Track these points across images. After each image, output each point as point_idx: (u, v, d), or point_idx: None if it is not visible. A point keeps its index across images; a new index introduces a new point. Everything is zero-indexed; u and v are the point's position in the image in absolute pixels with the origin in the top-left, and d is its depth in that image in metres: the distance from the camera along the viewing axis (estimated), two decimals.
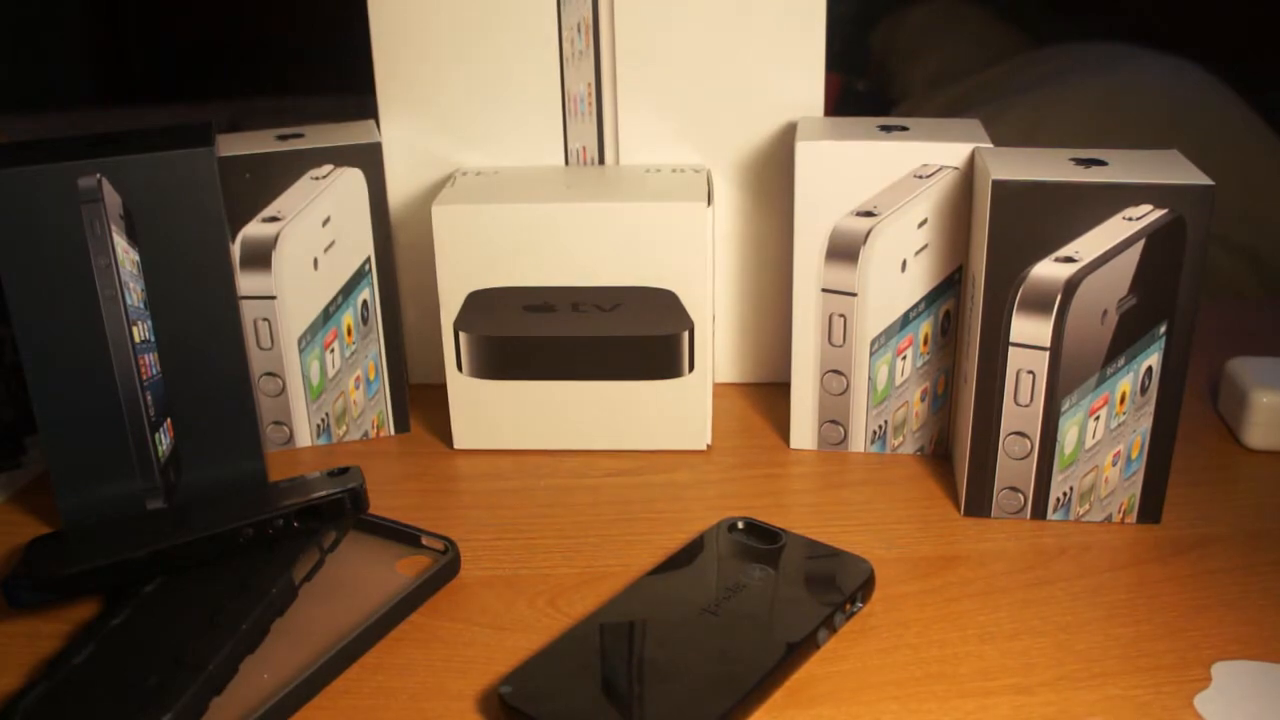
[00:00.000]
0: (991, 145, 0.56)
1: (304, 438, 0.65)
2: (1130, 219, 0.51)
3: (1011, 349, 0.53)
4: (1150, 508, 0.56)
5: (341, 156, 0.60)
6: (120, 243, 0.52)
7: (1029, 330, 0.53)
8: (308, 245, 0.60)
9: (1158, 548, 0.54)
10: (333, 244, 0.61)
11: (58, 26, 1.83)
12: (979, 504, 0.57)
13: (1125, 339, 0.52)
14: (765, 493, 0.60)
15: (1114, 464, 0.55)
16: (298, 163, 0.59)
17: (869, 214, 0.58)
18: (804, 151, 0.58)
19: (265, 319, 0.61)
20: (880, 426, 0.62)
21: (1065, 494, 0.56)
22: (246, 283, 0.60)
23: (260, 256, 0.60)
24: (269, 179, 0.59)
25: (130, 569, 0.50)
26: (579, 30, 0.63)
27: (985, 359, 0.54)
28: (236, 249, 0.59)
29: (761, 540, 0.53)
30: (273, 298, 0.61)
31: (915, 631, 0.48)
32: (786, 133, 0.64)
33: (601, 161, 0.66)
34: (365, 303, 0.63)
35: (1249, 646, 0.47)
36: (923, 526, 0.56)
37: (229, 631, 0.46)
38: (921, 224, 0.58)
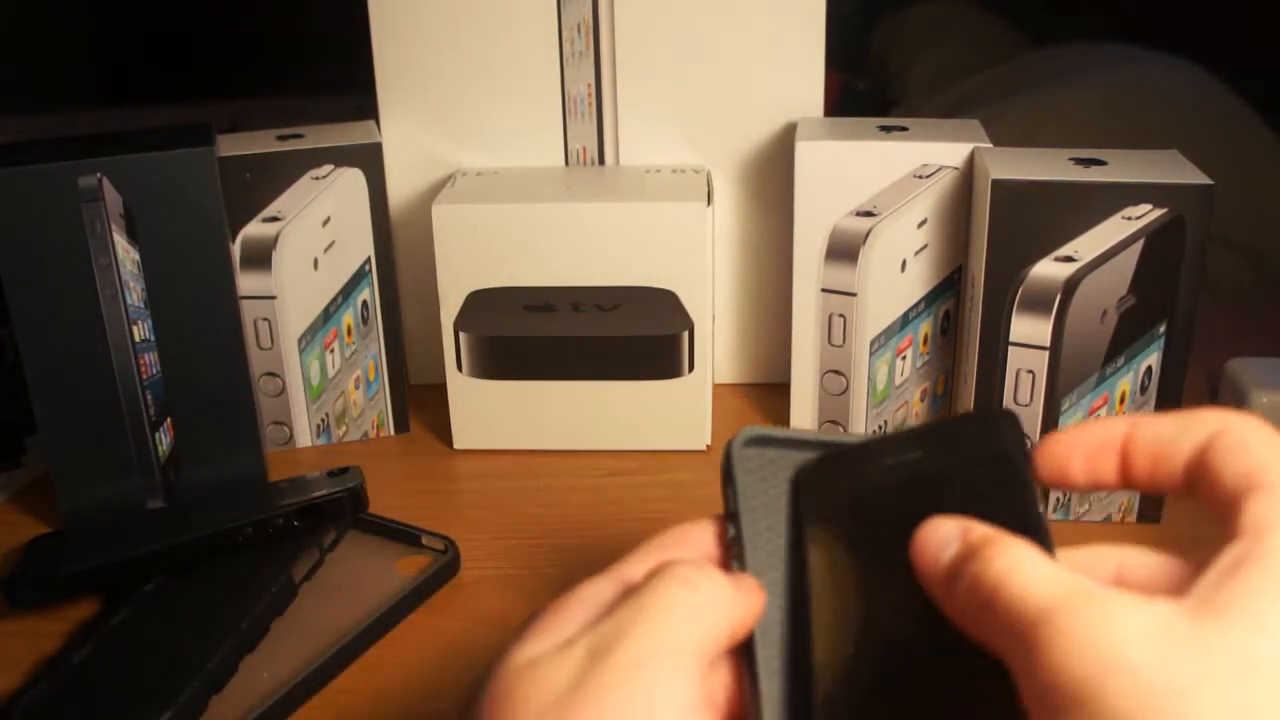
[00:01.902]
0: (991, 145, 0.56)
1: (304, 438, 0.65)
2: (1130, 218, 0.51)
3: (1011, 349, 0.53)
4: (1150, 507, 0.56)
5: (341, 156, 0.60)
6: (120, 242, 0.52)
7: (1029, 330, 0.53)
8: (308, 245, 0.60)
9: (1158, 547, 0.54)
10: (333, 244, 0.61)
11: (58, 26, 1.83)
12: None
13: (1125, 338, 0.52)
14: None
15: None
16: (298, 163, 0.59)
17: (869, 214, 0.58)
18: (804, 151, 0.58)
19: (265, 319, 0.61)
20: (880, 426, 0.62)
21: (1065, 494, 0.56)
22: (246, 283, 0.60)
23: (260, 256, 0.60)
24: (269, 179, 0.59)
25: (130, 569, 0.51)
26: (579, 30, 0.63)
27: (985, 359, 0.54)
28: (236, 249, 0.59)
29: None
30: (273, 298, 0.61)
31: None
32: (786, 133, 0.64)
33: (601, 162, 0.66)
34: (365, 303, 0.63)
35: None
36: None
37: (229, 630, 0.47)
38: (921, 224, 0.58)
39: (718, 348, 0.70)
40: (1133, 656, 0.24)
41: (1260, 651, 0.23)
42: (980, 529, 0.29)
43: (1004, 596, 0.26)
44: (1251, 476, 0.27)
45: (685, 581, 0.30)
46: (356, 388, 0.65)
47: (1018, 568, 0.27)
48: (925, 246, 0.58)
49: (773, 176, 0.66)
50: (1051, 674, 0.24)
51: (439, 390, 0.64)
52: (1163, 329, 0.52)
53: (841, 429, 0.62)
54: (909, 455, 0.32)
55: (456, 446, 0.64)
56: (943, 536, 0.29)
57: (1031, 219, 0.51)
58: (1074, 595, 0.25)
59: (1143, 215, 0.50)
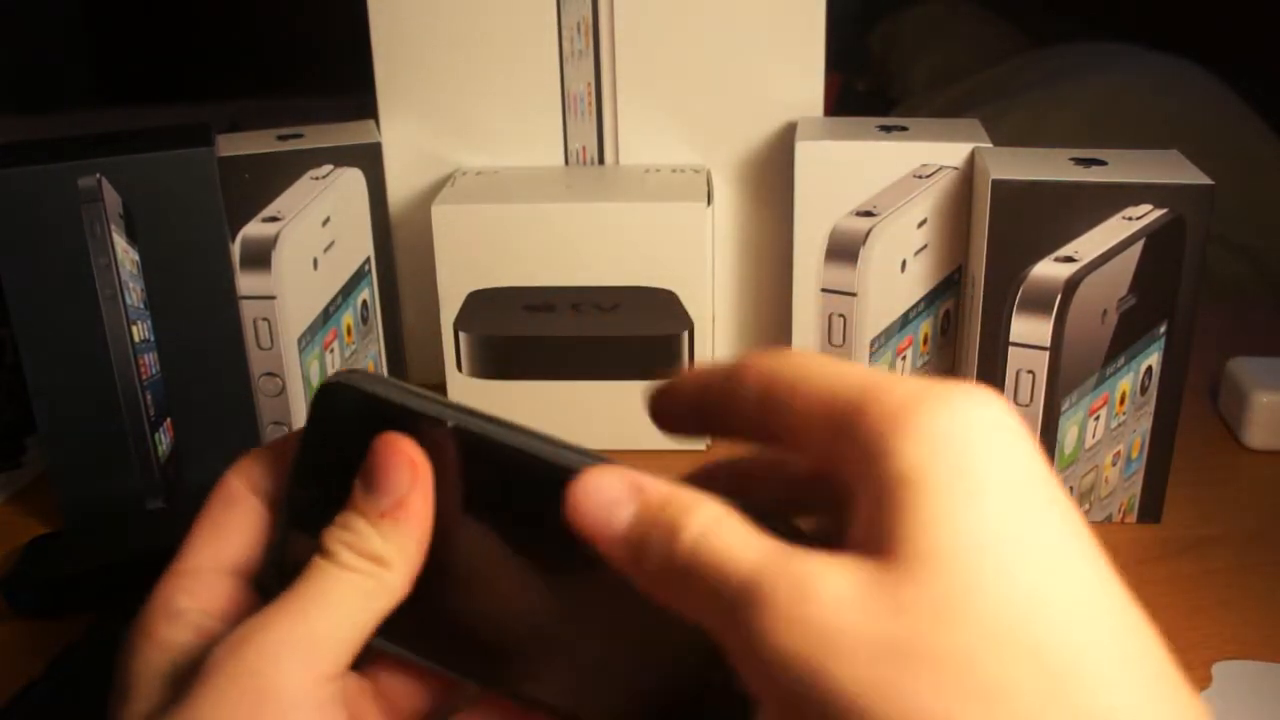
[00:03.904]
0: (991, 145, 0.56)
1: None
2: (1130, 219, 0.51)
3: (1011, 349, 0.53)
4: (1150, 507, 0.56)
5: (341, 156, 0.60)
6: (120, 243, 0.52)
7: (1029, 330, 0.53)
8: (308, 245, 0.60)
9: (1157, 547, 0.54)
10: (333, 244, 0.61)
11: (58, 26, 1.83)
12: None
13: (1125, 339, 0.52)
14: None
15: (1114, 464, 0.55)
16: (298, 163, 0.59)
17: (869, 214, 0.58)
18: (804, 151, 0.58)
19: (265, 319, 0.61)
20: None
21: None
22: (246, 283, 0.60)
23: (260, 256, 0.60)
24: (269, 179, 0.59)
25: (131, 569, 0.50)
26: (579, 30, 0.63)
27: (985, 359, 0.54)
28: (236, 249, 0.59)
29: None
30: (272, 298, 0.61)
31: None
32: (786, 133, 0.64)
33: (601, 161, 0.66)
34: (365, 303, 0.63)
35: (1249, 646, 0.47)
36: None
37: None
38: (921, 224, 0.58)
39: (718, 348, 0.70)
40: (847, 626, 0.22)
41: (967, 599, 0.22)
42: (654, 486, 0.26)
43: (702, 572, 0.24)
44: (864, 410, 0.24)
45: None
46: None
47: (714, 537, 0.24)
48: (925, 246, 0.58)
49: (773, 176, 0.66)
50: (771, 653, 0.23)
51: (439, 390, 0.64)
52: (1163, 329, 0.52)
53: None
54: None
55: None
56: (608, 494, 0.26)
57: (1031, 219, 0.51)
58: (773, 563, 0.23)
59: (1143, 215, 0.50)
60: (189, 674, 0.27)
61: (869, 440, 0.23)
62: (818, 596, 0.22)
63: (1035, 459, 0.24)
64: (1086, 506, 0.56)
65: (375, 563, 0.28)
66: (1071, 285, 0.52)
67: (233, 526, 0.31)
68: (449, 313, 0.61)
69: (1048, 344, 0.53)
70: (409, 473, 0.28)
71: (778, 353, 0.26)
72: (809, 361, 0.26)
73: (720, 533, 0.24)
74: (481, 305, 0.61)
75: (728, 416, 0.27)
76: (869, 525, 0.23)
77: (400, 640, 0.30)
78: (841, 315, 0.60)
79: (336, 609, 0.27)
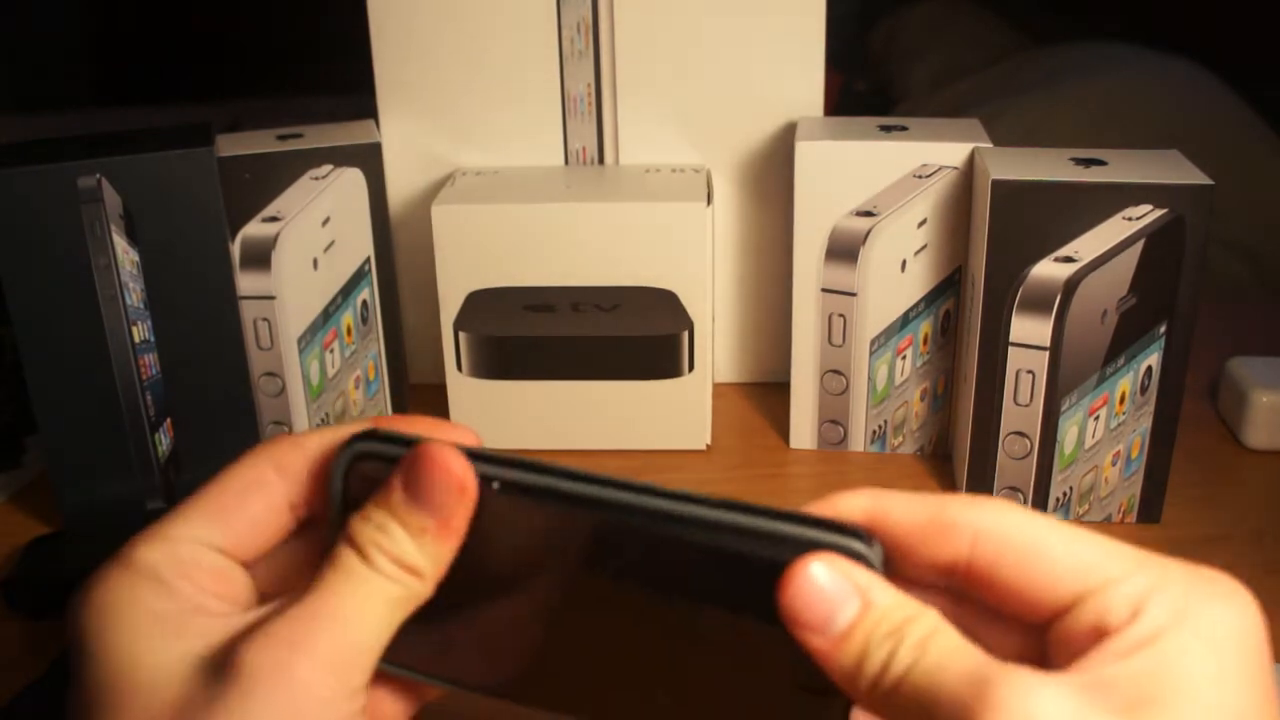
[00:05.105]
0: (991, 145, 0.56)
1: None
2: (1130, 219, 0.51)
3: (1011, 349, 0.53)
4: (1150, 508, 0.56)
5: (341, 156, 0.60)
6: (120, 243, 0.52)
7: (1029, 330, 0.53)
8: (307, 245, 0.60)
9: (1157, 548, 0.54)
10: (332, 244, 0.61)
11: (58, 26, 1.82)
12: None
13: (1125, 339, 0.52)
14: (765, 493, 0.60)
15: (1114, 464, 0.55)
16: (298, 163, 0.59)
17: (869, 214, 0.58)
18: (804, 151, 0.58)
19: (265, 319, 0.61)
20: (880, 426, 0.62)
21: (1065, 494, 0.56)
22: (246, 283, 0.60)
23: (260, 256, 0.60)
24: (269, 179, 0.59)
25: None
26: (579, 30, 0.63)
27: (985, 359, 0.54)
28: (236, 249, 0.59)
29: None
30: (272, 298, 0.61)
31: None
32: (786, 133, 0.64)
33: (601, 161, 0.66)
34: (365, 303, 0.63)
35: None
36: None
37: None
38: (921, 224, 0.58)
39: (718, 348, 0.70)
40: None
41: None
42: (879, 590, 0.26)
43: (933, 691, 0.24)
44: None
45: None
46: (356, 388, 0.65)
47: (933, 651, 0.25)
48: (925, 246, 0.58)
49: (773, 176, 0.66)
50: None
51: (439, 390, 0.64)
52: (1163, 329, 0.52)
53: (841, 429, 0.62)
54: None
55: None
56: (833, 592, 0.26)
57: (1031, 219, 0.51)
58: (995, 678, 0.24)
59: (1143, 215, 0.50)
60: (219, 664, 0.26)
61: (1128, 605, 0.27)
62: (1042, 707, 0.23)
63: (1269, 668, 0.26)
64: (1086, 507, 0.56)
65: (409, 572, 0.27)
66: (1071, 285, 0.52)
67: (243, 509, 0.30)
68: (449, 313, 0.61)
69: (1048, 344, 0.53)
70: (457, 495, 0.27)
71: (987, 508, 0.27)
72: (1035, 529, 0.27)
73: (939, 645, 0.25)
74: (481, 305, 0.61)
75: (931, 564, 0.28)
76: (1105, 668, 0.25)
77: (403, 657, 0.29)
78: (841, 315, 0.60)
79: (371, 616, 0.27)
